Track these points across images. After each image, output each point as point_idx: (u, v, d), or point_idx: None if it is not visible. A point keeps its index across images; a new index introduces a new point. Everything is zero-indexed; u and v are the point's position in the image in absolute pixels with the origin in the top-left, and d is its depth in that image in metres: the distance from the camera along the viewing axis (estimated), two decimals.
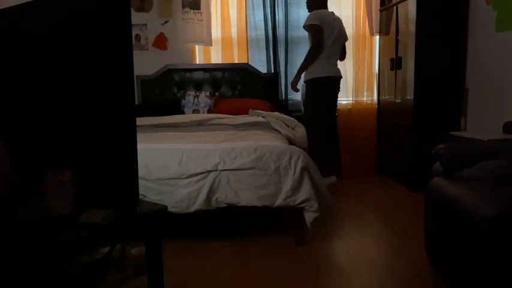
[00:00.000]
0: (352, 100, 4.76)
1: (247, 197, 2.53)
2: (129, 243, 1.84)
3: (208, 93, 4.30)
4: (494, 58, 3.39)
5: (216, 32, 4.63)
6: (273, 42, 4.60)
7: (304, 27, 3.90)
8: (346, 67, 4.59)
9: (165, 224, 1.73)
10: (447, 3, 3.75)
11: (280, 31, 4.61)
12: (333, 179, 3.86)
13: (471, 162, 2.12)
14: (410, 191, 3.82)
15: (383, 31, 4.51)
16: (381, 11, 4.52)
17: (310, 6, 3.97)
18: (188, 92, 4.33)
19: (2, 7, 1.69)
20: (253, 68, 4.54)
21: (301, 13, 4.56)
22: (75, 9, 1.57)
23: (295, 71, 4.45)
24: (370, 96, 4.77)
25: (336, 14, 4.02)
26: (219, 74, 4.54)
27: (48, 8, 1.62)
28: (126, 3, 1.48)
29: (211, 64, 4.66)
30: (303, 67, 3.87)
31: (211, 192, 2.52)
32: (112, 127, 1.57)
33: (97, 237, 1.50)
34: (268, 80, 4.54)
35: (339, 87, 4.02)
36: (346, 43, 4.11)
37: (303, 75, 3.91)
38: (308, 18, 3.89)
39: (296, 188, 2.53)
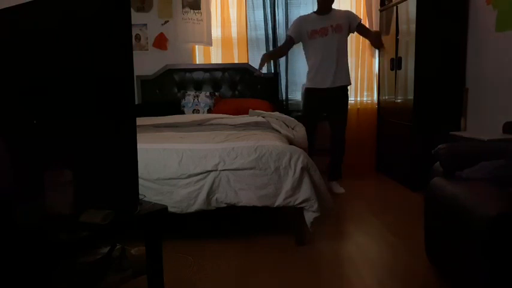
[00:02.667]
0: (352, 100, 4.76)
1: (247, 197, 2.53)
2: (129, 243, 1.84)
3: (208, 93, 4.30)
4: (494, 58, 3.38)
5: (216, 32, 4.63)
6: (273, 42, 4.60)
7: (358, 25, 3.89)
8: None
9: (165, 224, 1.73)
10: (447, 3, 3.75)
11: (280, 31, 4.61)
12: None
13: (471, 162, 2.12)
14: (410, 191, 3.82)
15: (383, 31, 4.51)
16: (381, 11, 4.52)
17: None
18: (188, 92, 4.33)
19: (2, 7, 1.69)
20: (254, 68, 4.52)
21: (301, 13, 4.56)
22: (75, 10, 1.57)
23: (295, 71, 4.53)
24: (370, 96, 4.77)
25: None
26: (219, 74, 4.54)
27: (48, 8, 1.62)
28: (126, 3, 1.49)
29: (211, 64, 4.66)
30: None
31: (211, 192, 2.52)
32: (112, 127, 1.57)
33: (97, 237, 1.50)
34: (268, 80, 4.53)
35: None
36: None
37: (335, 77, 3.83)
38: (353, 14, 3.94)
39: (296, 188, 2.53)
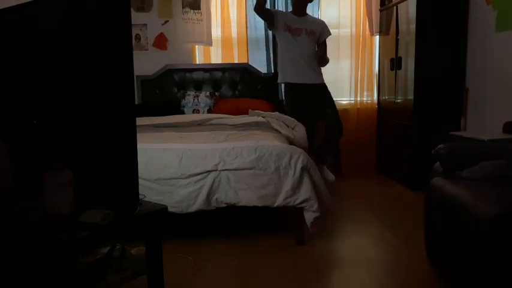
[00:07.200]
0: (352, 100, 4.76)
1: (247, 197, 2.53)
2: (129, 243, 1.84)
3: (208, 93, 4.30)
4: (494, 58, 3.39)
5: (216, 32, 4.63)
6: (273, 42, 4.60)
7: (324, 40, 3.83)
8: (346, 67, 4.63)
9: (165, 224, 1.73)
10: (447, 3, 3.75)
11: None
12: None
13: (471, 162, 2.12)
14: (410, 191, 3.82)
15: (383, 31, 4.51)
16: (381, 11, 4.52)
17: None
18: (188, 92, 4.33)
19: (2, 7, 1.69)
20: (253, 68, 4.54)
21: None
22: (75, 9, 1.57)
23: None
24: (370, 96, 4.77)
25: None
26: (219, 74, 4.54)
27: (48, 8, 1.62)
28: (126, 3, 1.49)
29: (211, 64, 4.66)
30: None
31: (211, 192, 2.52)
32: (112, 127, 1.57)
33: (97, 237, 1.50)
34: (268, 80, 4.53)
35: None
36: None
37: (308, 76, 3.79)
38: (327, 27, 3.84)
39: (296, 188, 2.53)
